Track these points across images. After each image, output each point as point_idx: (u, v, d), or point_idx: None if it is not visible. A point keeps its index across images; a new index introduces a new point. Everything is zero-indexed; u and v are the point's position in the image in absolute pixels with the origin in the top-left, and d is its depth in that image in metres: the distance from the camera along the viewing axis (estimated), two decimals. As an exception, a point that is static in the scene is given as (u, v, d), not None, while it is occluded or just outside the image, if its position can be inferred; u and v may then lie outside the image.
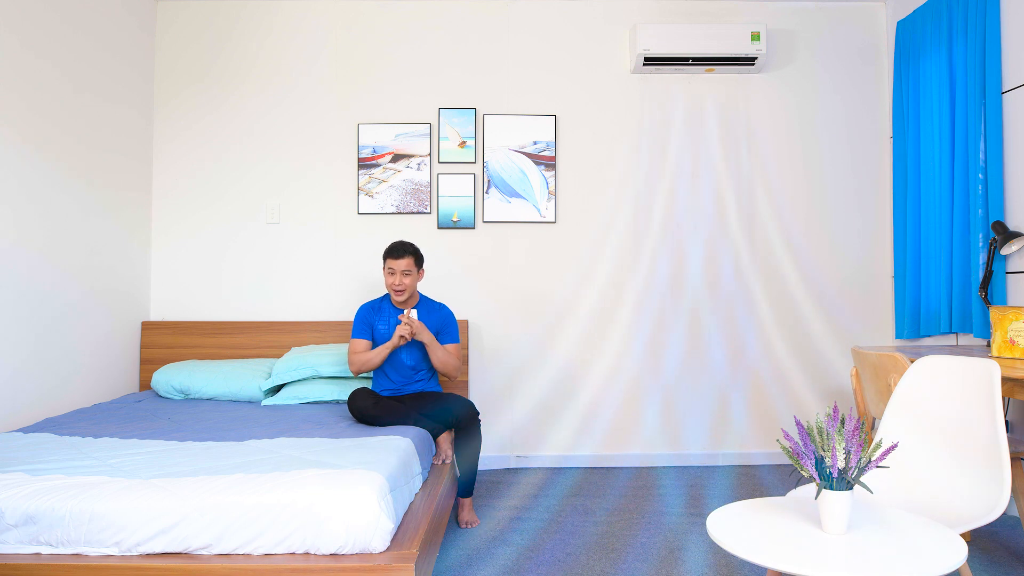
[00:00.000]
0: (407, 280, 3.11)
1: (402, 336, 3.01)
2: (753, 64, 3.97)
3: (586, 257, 4.07)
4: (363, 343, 3.17)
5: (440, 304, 3.29)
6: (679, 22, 4.06)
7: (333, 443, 2.48)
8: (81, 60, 3.40)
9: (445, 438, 2.99)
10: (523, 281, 4.06)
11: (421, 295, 3.29)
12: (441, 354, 3.12)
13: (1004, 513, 3.08)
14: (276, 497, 1.92)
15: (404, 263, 3.10)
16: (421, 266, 3.20)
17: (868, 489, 1.61)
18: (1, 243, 2.89)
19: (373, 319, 3.20)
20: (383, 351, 3.08)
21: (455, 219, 4.04)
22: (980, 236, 3.24)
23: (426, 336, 3.05)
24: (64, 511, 1.89)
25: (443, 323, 3.23)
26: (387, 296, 3.26)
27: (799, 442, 1.64)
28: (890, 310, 4.09)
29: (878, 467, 1.71)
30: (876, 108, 4.13)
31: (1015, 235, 3.00)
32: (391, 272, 3.12)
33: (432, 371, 3.29)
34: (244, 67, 4.07)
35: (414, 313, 3.04)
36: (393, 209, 4.04)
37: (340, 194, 4.06)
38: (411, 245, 3.15)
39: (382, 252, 3.98)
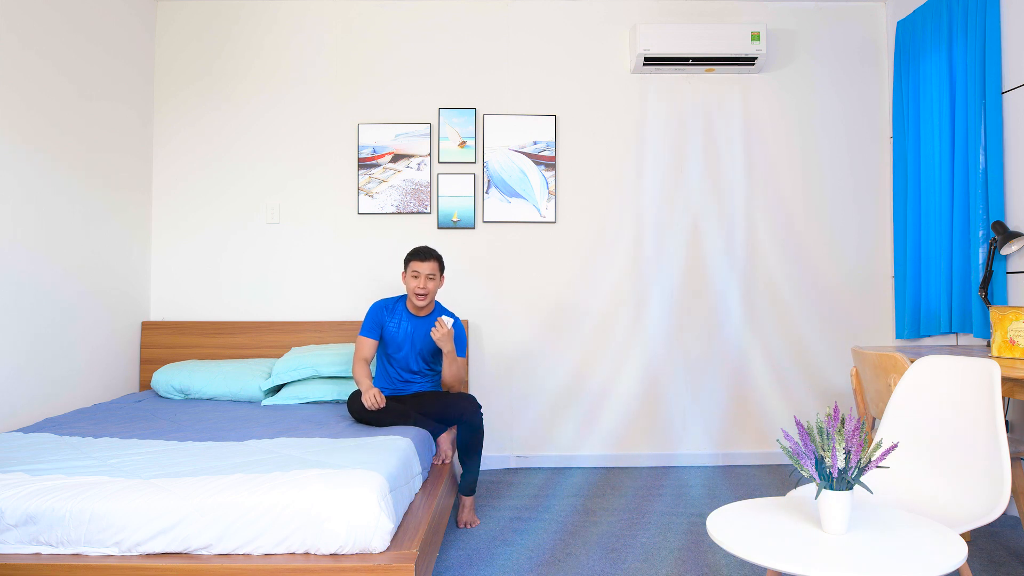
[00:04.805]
0: (431, 285, 3.09)
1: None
2: (753, 64, 3.97)
3: (586, 257, 4.07)
4: (370, 343, 3.16)
5: (452, 314, 3.27)
6: (679, 22, 4.06)
7: (333, 443, 2.48)
8: (81, 59, 3.40)
9: (445, 438, 2.99)
10: (523, 281, 4.06)
11: (437, 303, 3.27)
12: (455, 367, 3.09)
13: (1004, 513, 3.08)
14: (276, 497, 1.92)
15: (429, 266, 3.08)
16: (443, 272, 3.18)
17: (868, 489, 1.61)
18: (1, 243, 2.89)
19: (384, 318, 3.18)
20: (368, 386, 3.01)
21: (455, 219, 4.04)
22: (980, 236, 3.24)
23: (448, 346, 3.03)
24: (64, 511, 1.89)
25: (454, 334, 3.21)
26: (402, 298, 3.24)
27: (799, 442, 1.64)
28: (890, 310, 4.09)
29: (878, 467, 1.71)
30: (876, 108, 4.13)
31: (1015, 235, 3.00)
32: (415, 275, 3.08)
33: (434, 373, 3.28)
34: (244, 66, 4.07)
35: (448, 322, 2.97)
36: (393, 209, 4.04)
37: (340, 194, 4.06)
38: (436, 251, 3.14)
39: (381, 251, 4.02)
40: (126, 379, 3.82)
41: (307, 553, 1.90)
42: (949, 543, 1.53)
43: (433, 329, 2.97)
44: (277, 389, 3.54)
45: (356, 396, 3.01)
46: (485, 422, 3.89)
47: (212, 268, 4.05)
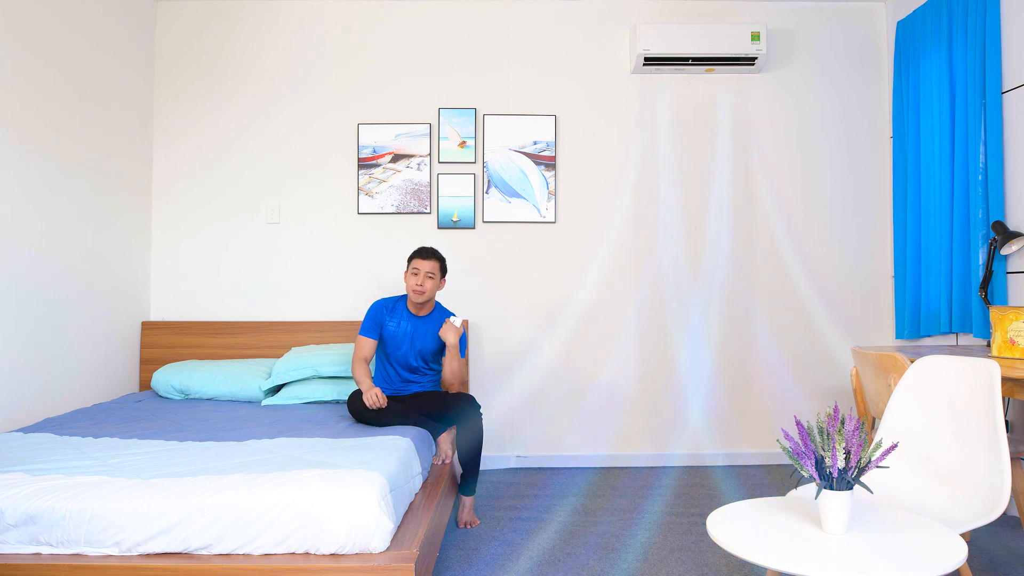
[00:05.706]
0: (429, 283, 3.10)
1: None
2: (753, 64, 3.97)
3: (586, 257, 4.07)
4: (369, 342, 3.16)
5: (454, 315, 3.28)
6: (679, 22, 4.06)
7: (333, 443, 2.48)
8: (81, 60, 3.40)
9: (445, 438, 2.99)
10: (523, 281, 4.06)
11: (437, 303, 3.28)
12: (456, 364, 3.10)
13: (1004, 513, 3.08)
14: (276, 497, 1.92)
15: (429, 265, 3.10)
16: (444, 275, 3.19)
17: (868, 489, 1.61)
18: (1, 243, 2.89)
19: (384, 318, 3.18)
20: (369, 386, 3.02)
21: (455, 219, 4.04)
22: (980, 236, 3.24)
23: (452, 339, 3.06)
24: (64, 511, 1.89)
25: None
26: (403, 298, 3.24)
27: (799, 442, 1.64)
28: (890, 310, 4.09)
29: (878, 467, 1.71)
30: (876, 108, 4.13)
31: (1015, 235, 3.00)
32: (415, 272, 3.10)
33: (434, 373, 3.28)
34: (244, 67, 4.07)
35: (457, 320, 3.10)
36: (393, 209, 4.04)
37: (340, 194, 4.06)
38: (440, 253, 3.17)
39: (381, 251, 4.03)
40: (126, 379, 3.82)
41: (307, 553, 1.90)
42: (949, 543, 1.53)
43: (445, 330, 3.07)
44: (277, 389, 3.54)
45: (356, 396, 3.01)
46: (485, 422, 3.89)
47: (212, 268, 4.05)
